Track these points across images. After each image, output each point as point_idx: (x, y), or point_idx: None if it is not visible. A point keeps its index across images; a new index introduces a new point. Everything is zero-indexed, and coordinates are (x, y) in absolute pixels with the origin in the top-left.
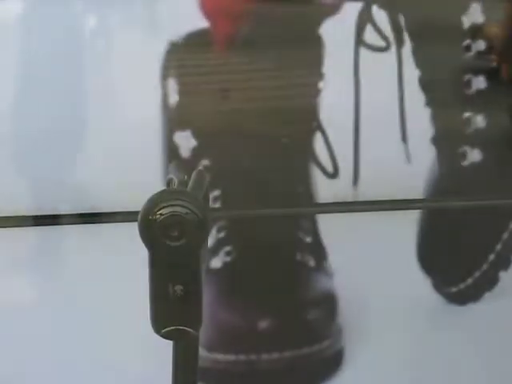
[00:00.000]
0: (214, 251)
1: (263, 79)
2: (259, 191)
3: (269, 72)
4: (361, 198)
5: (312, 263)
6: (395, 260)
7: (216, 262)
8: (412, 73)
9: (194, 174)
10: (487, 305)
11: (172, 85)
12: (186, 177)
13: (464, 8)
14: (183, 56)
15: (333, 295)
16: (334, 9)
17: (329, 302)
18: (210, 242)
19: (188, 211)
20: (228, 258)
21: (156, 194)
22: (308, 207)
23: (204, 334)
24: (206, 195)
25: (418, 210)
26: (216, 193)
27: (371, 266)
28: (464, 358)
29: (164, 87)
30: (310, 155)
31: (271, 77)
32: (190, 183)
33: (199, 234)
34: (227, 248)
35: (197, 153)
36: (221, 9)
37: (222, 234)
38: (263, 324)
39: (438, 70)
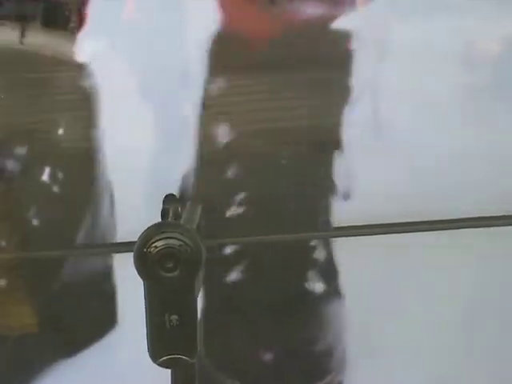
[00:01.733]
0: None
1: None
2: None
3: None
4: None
5: (322, 288)
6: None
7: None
8: None
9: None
10: None
11: None
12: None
13: None
14: None
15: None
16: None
17: (333, 335)
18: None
19: (182, 243)
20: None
21: (150, 227)
22: (319, 232)
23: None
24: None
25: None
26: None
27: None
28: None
29: None
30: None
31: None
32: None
33: (193, 264)
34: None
35: None
36: None
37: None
38: (268, 356)
39: None
